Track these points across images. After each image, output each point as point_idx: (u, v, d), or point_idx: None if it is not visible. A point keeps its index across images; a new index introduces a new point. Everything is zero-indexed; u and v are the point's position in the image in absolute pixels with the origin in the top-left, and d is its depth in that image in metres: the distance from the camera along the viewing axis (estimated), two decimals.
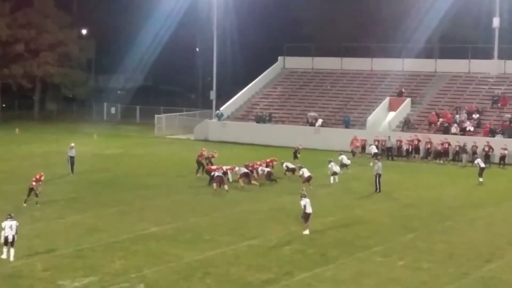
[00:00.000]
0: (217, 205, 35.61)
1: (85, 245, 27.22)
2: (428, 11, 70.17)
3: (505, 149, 51.02)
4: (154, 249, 26.92)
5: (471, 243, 28.69)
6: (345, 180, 43.03)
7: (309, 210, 29.57)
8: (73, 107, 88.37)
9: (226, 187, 38.86)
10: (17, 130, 67.20)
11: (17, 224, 25.31)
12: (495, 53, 62.91)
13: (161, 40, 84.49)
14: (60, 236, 28.68)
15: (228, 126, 64.50)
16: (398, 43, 70.17)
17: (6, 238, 24.90)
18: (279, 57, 73.41)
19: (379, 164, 40.64)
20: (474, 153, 51.21)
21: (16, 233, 25.08)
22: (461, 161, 52.13)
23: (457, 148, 52.57)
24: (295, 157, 47.93)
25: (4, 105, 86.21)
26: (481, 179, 43.12)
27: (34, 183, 34.33)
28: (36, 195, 34.25)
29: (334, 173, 42.22)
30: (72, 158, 43.89)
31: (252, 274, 24.25)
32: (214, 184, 39.00)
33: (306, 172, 39.99)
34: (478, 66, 63.91)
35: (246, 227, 30.86)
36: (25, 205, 33.81)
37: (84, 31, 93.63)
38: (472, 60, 64.44)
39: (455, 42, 70.53)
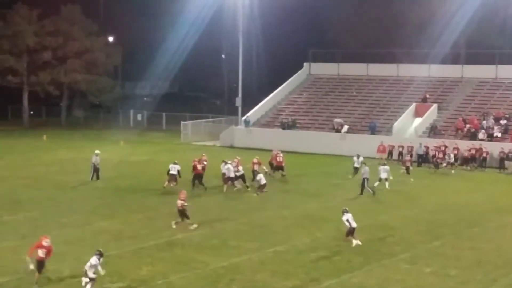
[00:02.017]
0: (243, 210, 35.64)
1: (112, 251, 27.30)
2: (453, 16, 69.87)
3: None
4: (180, 256, 26.99)
5: (499, 250, 28.47)
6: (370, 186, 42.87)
7: (354, 224, 28.89)
8: (99, 114, 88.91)
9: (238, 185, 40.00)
10: (44, 136, 67.70)
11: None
12: None
13: (187, 46, 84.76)
14: (87, 242, 28.80)
15: (254, 133, 64.54)
16: (424, 48, 69.89)
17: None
18: (304, 64, 73.41)
19: (366, 168, 40.66)
20: None
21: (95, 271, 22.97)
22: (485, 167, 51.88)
23: (485, 155, 52.21)
24: (272, 166, 46.16)
25: (32, 112, 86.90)
26: None
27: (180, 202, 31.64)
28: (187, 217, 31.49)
29: (380, 179, 41.97)
30: (95, 165, 43.94)
31: (278, 281, 24.23)
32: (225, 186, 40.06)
33: (262, 180, 39.72)
34: (505, 71, 63.47)
35: (271, 233, 30.86)
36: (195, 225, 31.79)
37: (110, 39, 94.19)
38: (499, 66, 64.00)
39: (481, 47, 70.08)
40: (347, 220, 28.84)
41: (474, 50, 69.91)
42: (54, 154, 57.58)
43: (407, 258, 27.05)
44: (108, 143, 63.42)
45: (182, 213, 31.27)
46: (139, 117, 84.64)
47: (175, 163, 41.52)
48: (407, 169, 47.06)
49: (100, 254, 22.52)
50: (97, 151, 44.58)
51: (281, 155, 45.71)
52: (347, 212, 29.19)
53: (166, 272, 24.84)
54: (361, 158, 45.28)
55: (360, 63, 70.76)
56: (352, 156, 46.48)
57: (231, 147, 62.69)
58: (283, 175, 45.02)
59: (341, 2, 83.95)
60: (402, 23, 79.51)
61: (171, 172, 40.95)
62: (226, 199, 38.94)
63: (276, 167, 45.47)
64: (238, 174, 41.05)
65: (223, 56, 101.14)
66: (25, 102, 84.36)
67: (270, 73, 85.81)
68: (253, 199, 38.42)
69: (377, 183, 41.39)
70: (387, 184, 41.61)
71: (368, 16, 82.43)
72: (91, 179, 43.65)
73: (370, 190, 40.07)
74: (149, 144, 66.27)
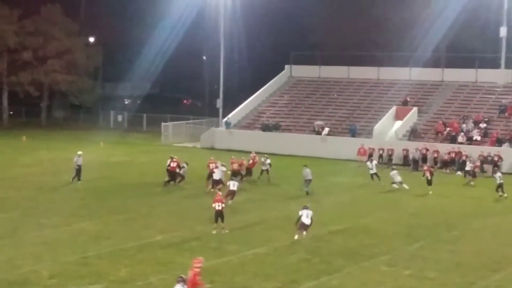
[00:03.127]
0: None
1: (91, 252, 27.23)
2: (435, 20, 70.19)
3: None
4: (160, 257, 26.92)
5: (477, 253, 28.62)
6: (351, 189, 43.00)
7: (307, 221, 29.80)
8: (80, 115, 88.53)
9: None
10: (24, 137, 67.31)
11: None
12: (502, 63, 62.79)
13: (168, 48, 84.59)
14: (66, 243, 28.70)
15: (235, 134, 64.53)
16: (405, 52, 70.19)
17: None
18: (286, 66, 73.48)
19: (308, 170, 41.08)
20: (496, 165, 50.63)
21: None
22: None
23: (464, 158, 52.44)
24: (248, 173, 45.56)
25: (11, 113, 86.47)
26: (504, 194, 41.23)
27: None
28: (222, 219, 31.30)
29: (394, 183, 42.80)
30: (79, 166, 43.79)
31: (257, 283, 24.22)
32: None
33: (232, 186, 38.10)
34: (485, 75, 63.78)
35: (251, 235, 30.85)
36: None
37: (91, 39, 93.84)
38: (479, 70, 64.30)
39: (462, 51, 70.56)
40: (301, 215, 29.84)
41: (454, 54, 70.34)
42: (34, 154, 57.27)
43: (387, 260, 27.13)
44: (88, 144, 63.12)
45: (221, 215, 31.07)
46: (119, 118, 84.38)
47: (222, 165, 41.93)
48: (429, 180, 42.72)
49: (183, 281, 20.31)
50: (79, 152, 44.39)
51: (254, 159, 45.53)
52: (306, 208, 30.16)
53: (145, 274, 24.77)
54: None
55: (341, 65, 70.88)
56: (332, 158, 46.56)
57: (212, 148, 62.60)
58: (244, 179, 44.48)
59: (323, 5, 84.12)
60: (383, 26, 79.87)
61: (215, 177, 40.65)
62: (206, 201, 38.85)
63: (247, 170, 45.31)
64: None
65: (204, 57, 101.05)
66: (5, 102, 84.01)
67: (251, 75, 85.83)
68: (234, 202, 38.33)
69: (396, 186, 42.28)
70: (405, 185, 42.43)
71: (350, 19, 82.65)
72: (72, 180, 43.44)
73: (306, 190, 40.89)
74: (130, 145, 66.08)
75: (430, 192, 41.88)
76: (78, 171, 43.72)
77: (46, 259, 26.27)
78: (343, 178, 47.41)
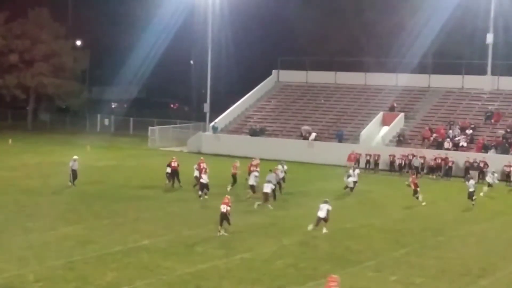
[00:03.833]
0: (210, 217, 35.51)
1: (77, 256, 27.14)
2: (423, 27, 70.51)
3: (510, 166, 51.13)
4: (146, 262, 26.86)
5: (463, 259, 28.71)
6: (337, 195, 43.04)
7: (321, 215, 32.19)
8: (66, 118, 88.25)
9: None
10: (10, 140, 67.08)
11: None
12: (489, 69, 63.12)
13: (156, 52, 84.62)
14: (52, 247, 28.60)
15: (222, 139, 64.52)
16: (392, 58, 70.41)
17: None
18: (273, 71, 73.56)
19: (273, 175, 40.64)
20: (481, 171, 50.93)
21: None
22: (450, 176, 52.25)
23: (451, 164, 52.69)
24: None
25: None
26: (472, 202, 40.59)
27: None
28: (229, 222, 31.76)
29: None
30: (74, 171, 43.53)
31: None
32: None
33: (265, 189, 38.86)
34: (472, 82, 64.06)
35: (238, 240, 30.81)
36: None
37: (78, 42, 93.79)
38: (465, 76, 64.57)
39: (449, 57, 70.88)
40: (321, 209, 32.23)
41: (441, 60, 70.62)
42: (20, 158, 57.07)
43: (373, 266, 27.17)
44: (75, 147, 62.87)
45: (226, 217, 31.39)
46: (106, 122, 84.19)
47: (256, 171, 41.98)
48: (415, 191, 41.01)
49: None
50: (75, 157, 44.16)
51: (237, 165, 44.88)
52: (325, 202, 32.51)
53: (131, 278, 24.70)
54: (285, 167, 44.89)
55: (329, 71, 71.06)
56: (319, 163, 46.53)
57: (199, 153, 62.56)
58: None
59: (311, 10, 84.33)
60: (371, 32, 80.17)
61: (250, 183, 40.69)
62: (193, 206, 38.85)
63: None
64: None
65: (191, 62, 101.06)
66: None
67: (238, 79, 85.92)
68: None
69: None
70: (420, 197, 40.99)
71: (338, 25, 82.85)
72: (70, 183, 43.17)
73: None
74: (116, 149, 65.93)
75: (424, 203, 40.50)
76: (74, 174, 43.45)
77: (31, 263, 26.16)
78: (329, 183, 47.45)
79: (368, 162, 55.05)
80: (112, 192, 42.32)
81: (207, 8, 68.82)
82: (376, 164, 54.85)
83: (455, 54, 72.90)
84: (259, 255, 28.39)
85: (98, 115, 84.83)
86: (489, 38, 62.20)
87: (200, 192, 40.39)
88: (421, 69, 69.06)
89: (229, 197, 32.88)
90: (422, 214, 38.15)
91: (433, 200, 42.77)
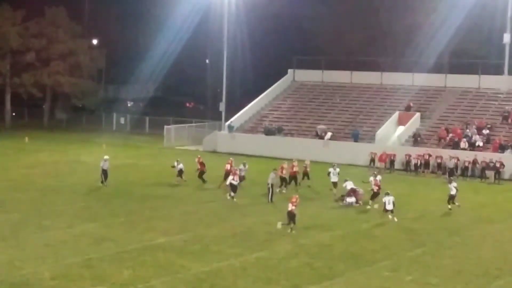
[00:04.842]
0: (225, 216, 35.64)
1: (93, 254, 27.26)
2: (439, 26, 70.23)
3: None
4: (161, 260, 26.94)
5: (479, 259, 28.61)
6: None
7: (388, 207, 35.48)
8: (82, 117, 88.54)
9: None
10: (26, 138, 67.34)
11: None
12: (505, 69, 62.78)
13: (172, 51, 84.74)
14: (68, 245, 28.74)
15: (237, 138, 64.54)
16: (409, 57, 70.16)
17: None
18: (289, 70, 73.47)
19: (272, 175, 40.53)
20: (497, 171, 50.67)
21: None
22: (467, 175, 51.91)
23: (466, 164, 52.43)
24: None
25: (14, 114, 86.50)
26: (455, 204, 39.15)
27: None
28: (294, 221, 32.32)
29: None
30: (105, 170, 43.47)
31: (259, 287, 24.24)
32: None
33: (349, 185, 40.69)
34: (488, 81, 63.75)
35: (254, 239, 30.85)
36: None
37: (95, 41, 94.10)
38: (482, 76, 64.27)
39: (465, 57, 70.55)
40: (385, 202, 35.61)
41: (457, 60, 70.33)
42: (36, 156, 57.29)
43: (388, 266, 27.13)
44: (91, 146, 63.27)
45: (292, 216, 31.87)
46: (122, 120, 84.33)
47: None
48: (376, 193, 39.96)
49: None
50: (106, 157, 44.25)
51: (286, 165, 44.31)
52: (388, 195, 35.77)
53: (147, 276, 24.79)
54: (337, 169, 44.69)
55: (344, 70, 70.90)
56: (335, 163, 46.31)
57: (214, 152, 62.64)
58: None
59: (327, 9, 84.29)
60: (387, 32, 79.94)
61: (332, 180, 41.58)
62: (208, 204, 38.92)
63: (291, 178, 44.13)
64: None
65: (207, 61, 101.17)
66: (8, 103, 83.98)
67: (254, 78, 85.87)
68: (237, 205, 38.41)
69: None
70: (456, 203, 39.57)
71: (354, 24, 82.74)
72: (102, 183, 43.23)
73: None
74: (132, 148, 66.07)
75: (376, 206, 38.56)
76: (105, 174, 43.55)
77: (48, 260, 26.30)
78: (323, 180, 46.89)
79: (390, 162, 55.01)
80: (128, 190, 42.44)
81: (223, 7, 68.86)
82: (392, 163, 54.68)
83: (471, 54, 72.58)
84: (275, 254, 28.41)
85: (114, 114, 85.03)
86: (506, 38, 61.80)
87: (232, 194, 39.95)
88: (438, 68, 68.80)
89: (297, 196, 33.44)
90: (437, 214, 38.02)
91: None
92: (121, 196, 40.39)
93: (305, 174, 45.06)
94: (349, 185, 40.59)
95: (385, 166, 54.40)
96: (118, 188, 42.99)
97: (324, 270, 26.39)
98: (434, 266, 27.30)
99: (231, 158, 45.89)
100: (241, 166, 44.55)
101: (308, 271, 26.17)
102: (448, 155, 53.12)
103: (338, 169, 43.76)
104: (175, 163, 44.98)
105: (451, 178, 43.58)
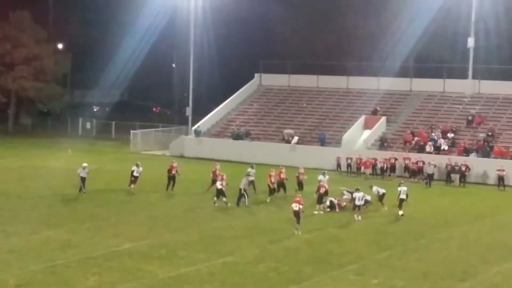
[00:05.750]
0: (192, 221, 35.51)
1: (58, 261, 26.98)
2: (404, 31, 70.84)
3: (503, 170, 50.27)
4: (128, 266, 26.75)
5: (445, 262, 28.80)
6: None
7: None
8: (48, 122, 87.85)
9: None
10: None
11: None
12: (470, 73, 63.42)
13: (138, 56, 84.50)
14: (33, 251, 28.41)
15: (204, 143, 64.46)
16: (374, 62, 70.61)
17: None
18: (255, 74, 73.58)
19: (245, 180, 40.44)
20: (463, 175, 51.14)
21: None
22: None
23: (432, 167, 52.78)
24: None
25: None
26: (401, 212, 38.33)
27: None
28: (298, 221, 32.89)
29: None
30: (83, 178, 42.70)
31: None
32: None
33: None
34: (453, 85, 64.35)
35: (221, 244, 30.77)
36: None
37: (60, 46, 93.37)
38: (447, 80, 64.87)
39: (430, 61, 71.18)
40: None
41: (423, 64, 70.92)
42: (1, 162, 56.66)
43: (355, 269, 27.19)
44: (56, 151, 62.76)
45: (298, 216, 32.62)
46: (88, 125, 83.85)
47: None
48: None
49: None
50: (84, 164, 43.52)
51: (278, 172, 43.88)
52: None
53: (113, 282, 24.60)
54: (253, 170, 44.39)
55: (311, 74, 71.17)
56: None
57: (181, 156, 62.44)
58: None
59: (293, 14, 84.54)
60: (353, 36, 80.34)
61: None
62: (175, 209, 38.78)
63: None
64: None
65: (174, 65, 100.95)
66: None
67: (221, 83, 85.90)
68: (203, 210, 38.31)
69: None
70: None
71: (320, 28, 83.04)
72: (80, 191, 42.38)
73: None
74: (98, 153, 65.65)
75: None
76: (83, 182, 42.72)
77: (12, 267, 25.98)
78: (312, 186, 47.28)
79: (349, 165, 55.19)
80: (93, 195, 42.12)
81: (189, 11, 68.72)
82: (359, 167, 54.94)
83: (436, 58, 73.25)
84: (242, 258, 28.35)
85: (80, 119, 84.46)
86: (470, 42, 62.48)
87: (224, 199, 39.49)
88: (403, 72, 69.32)
89: (300, 195, 33.92)
90: (403, 217, 38.15)
91: (415, 203, 42.72)
92: (87, 202, 40.10)
93: (299, 184, 44.62)
94: (377, 190, 40.28)
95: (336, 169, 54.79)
96: (84, 194, 42.60)
97: (291, 274, 26.38)
98: (400, 269, 27.44)
99: (216, 164, 45.56)
100: (249, 169, 43.96)
101: (275, 276, 26.16)
102: (427, 162, 52.49)
103: (327, 176, 43.49)
104: (134, 167, 44.28)
105: (401, 182, 40.35)
